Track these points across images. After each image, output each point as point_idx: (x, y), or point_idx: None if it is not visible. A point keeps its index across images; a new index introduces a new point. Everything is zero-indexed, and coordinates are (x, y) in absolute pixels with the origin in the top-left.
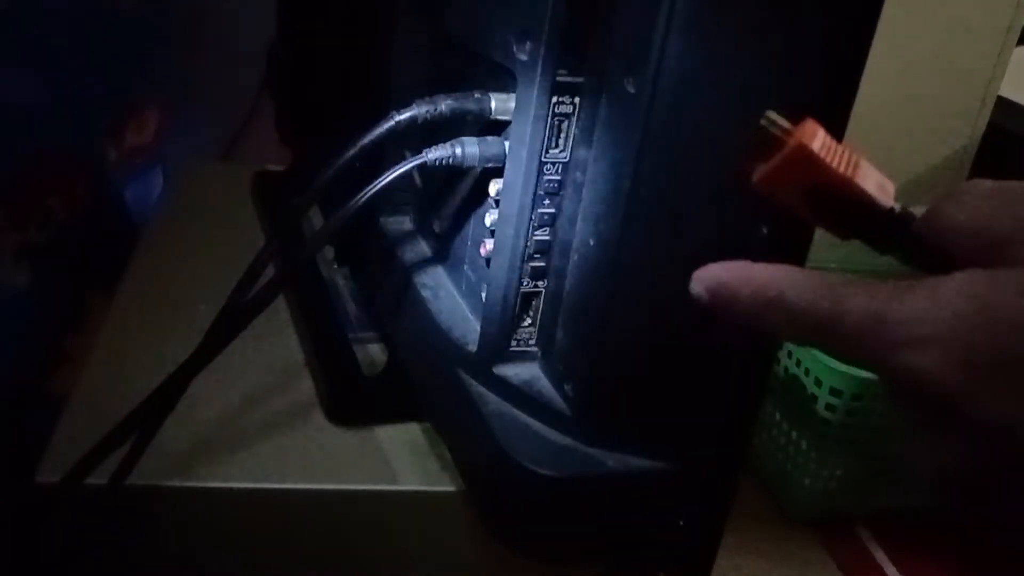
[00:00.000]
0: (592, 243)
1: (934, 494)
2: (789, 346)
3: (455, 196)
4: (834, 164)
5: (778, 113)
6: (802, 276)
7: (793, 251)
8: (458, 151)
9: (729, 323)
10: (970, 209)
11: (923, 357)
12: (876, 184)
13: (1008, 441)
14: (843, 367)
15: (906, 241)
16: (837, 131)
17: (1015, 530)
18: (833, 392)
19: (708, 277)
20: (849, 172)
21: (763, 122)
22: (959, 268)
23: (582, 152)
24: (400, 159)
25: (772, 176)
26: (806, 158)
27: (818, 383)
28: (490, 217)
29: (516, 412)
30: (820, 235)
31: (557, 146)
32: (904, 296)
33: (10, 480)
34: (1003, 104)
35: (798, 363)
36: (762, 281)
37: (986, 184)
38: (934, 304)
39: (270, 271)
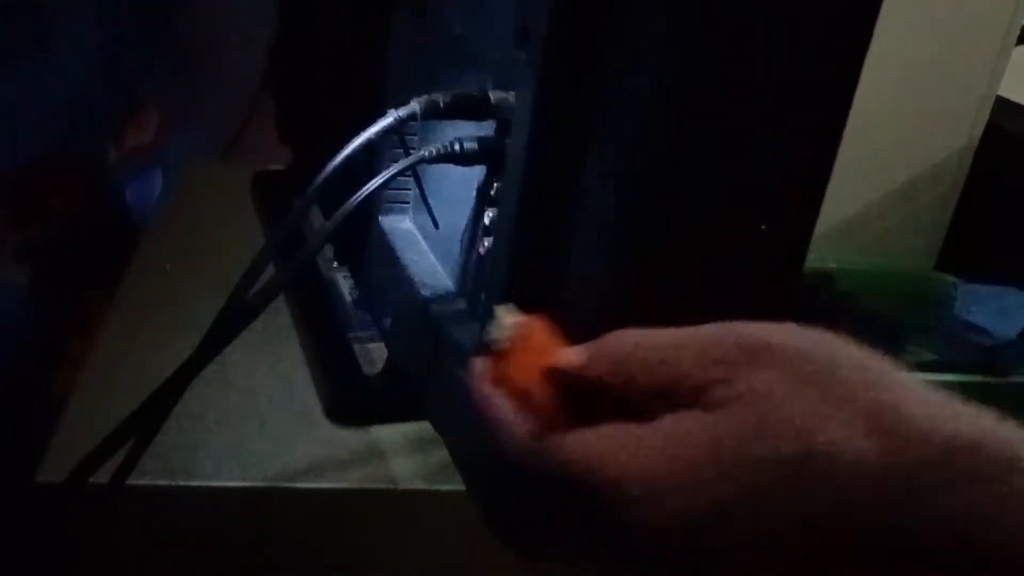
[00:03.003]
0: (593, 241)
1: None
2: None
3: (454, 194)
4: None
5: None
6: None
7: (792, 248)
8: (457, 148)
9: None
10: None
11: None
12: None
13: None
14: None
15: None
16: (837, 131)
17: None
18: None
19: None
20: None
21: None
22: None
23: (582, 150)
24: (399, 157)
25: (519, 361)
26: (544, 338)
27: None
28: (489, 215)
29: None
30: (821, 235)
31: (557, 144)
32: (619, 452)
33: (11, 480)
34: (1003, 104)
35: None
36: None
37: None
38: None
39: (270, 270)
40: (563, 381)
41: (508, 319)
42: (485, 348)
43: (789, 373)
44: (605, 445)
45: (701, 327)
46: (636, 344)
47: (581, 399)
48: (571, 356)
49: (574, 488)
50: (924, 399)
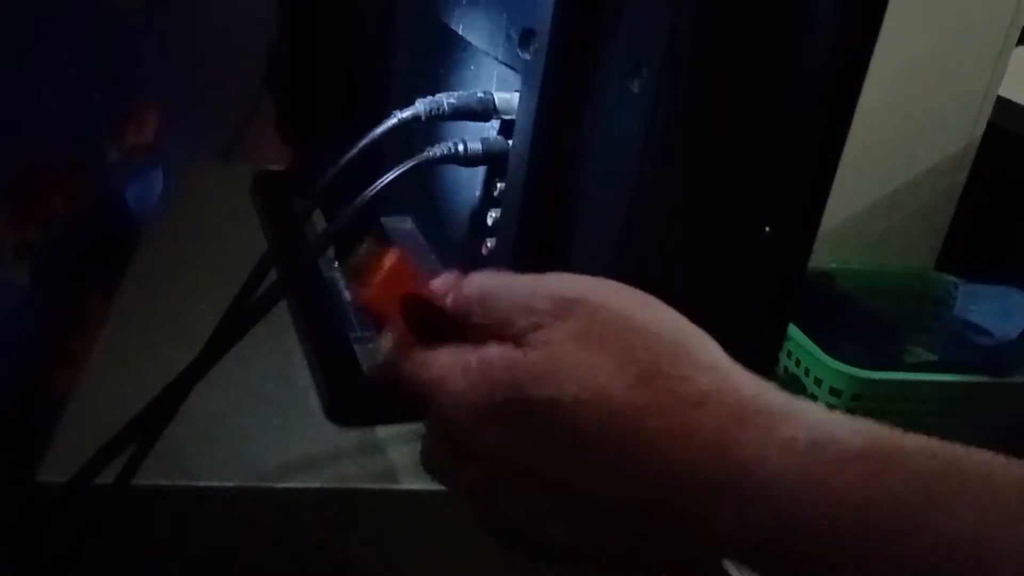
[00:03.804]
0: (595, 241)
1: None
2: (789, 346)
3: (457, 195)
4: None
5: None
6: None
7: (796, 249)
8: (460, 149)
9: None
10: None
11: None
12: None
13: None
14: (843, 367)
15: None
16: (841, 133)
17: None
18: (833, 392)
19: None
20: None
21: (365, 245)
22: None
23: (585, 152)
24: (402, 158)
25: (380, 287)
26: (404, 268)
27: (818, 383)
28: (492, 216)
29: None
30: (822, 235)
31: (560, 145)
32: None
33: (11, 480)
34: (1003, 104)
35: (798, 363)
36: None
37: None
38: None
39: (271, 271)
40: (420, 308)
41: (372, 246)
42: (351, 271)
43: (586, 327)
44: (436, 362)
45: (539, 278)
46: (478, 287)
47: (434, 324)
48: (427, 288)
49: (414, 391)
50: (717, 371)
